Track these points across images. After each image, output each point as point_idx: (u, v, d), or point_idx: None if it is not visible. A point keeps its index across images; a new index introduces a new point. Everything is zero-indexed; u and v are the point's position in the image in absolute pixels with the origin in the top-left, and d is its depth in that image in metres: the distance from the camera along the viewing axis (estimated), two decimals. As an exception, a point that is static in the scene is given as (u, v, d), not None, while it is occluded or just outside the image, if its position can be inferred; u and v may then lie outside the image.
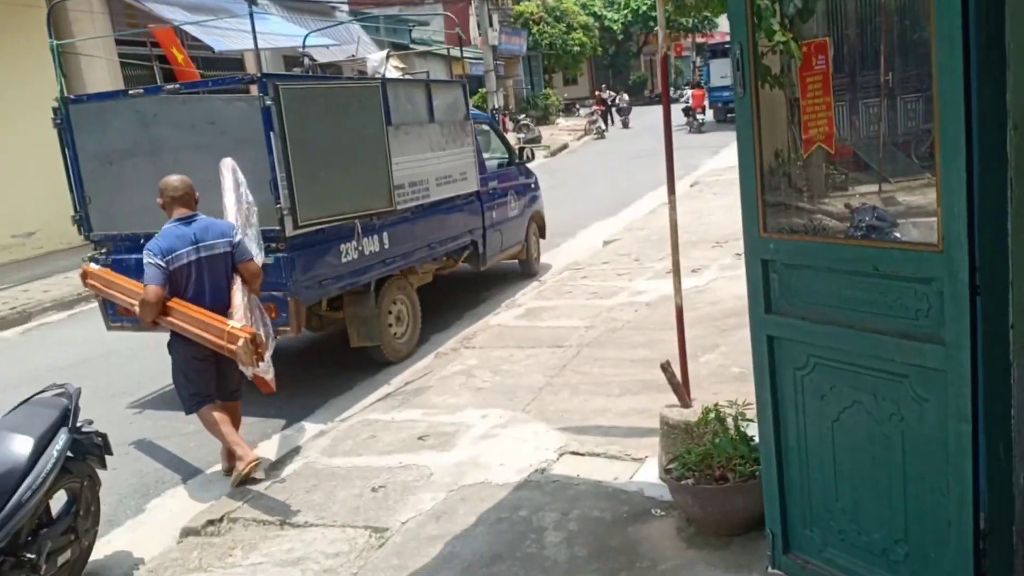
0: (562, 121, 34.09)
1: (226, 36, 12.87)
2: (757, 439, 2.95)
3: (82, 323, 8.26)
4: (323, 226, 5.52)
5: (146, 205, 4.79)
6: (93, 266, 5.09)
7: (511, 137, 23.39)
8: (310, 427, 5.29)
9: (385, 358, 6.33)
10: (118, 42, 13.32)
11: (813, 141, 2.65)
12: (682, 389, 3.84)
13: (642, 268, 8.45)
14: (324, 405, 5.70)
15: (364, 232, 5.90)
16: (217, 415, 4.45)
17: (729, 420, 3.44)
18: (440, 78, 8.62)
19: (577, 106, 32.68)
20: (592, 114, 29.61)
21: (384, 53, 8.03)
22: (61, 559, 3.31)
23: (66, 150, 5.83)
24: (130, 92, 5.68)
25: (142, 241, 4.75)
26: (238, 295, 4.41)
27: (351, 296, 6.08)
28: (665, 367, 3.79)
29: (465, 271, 8.37)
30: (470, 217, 7.67)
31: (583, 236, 11.37)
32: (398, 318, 6.58)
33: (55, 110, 5.77)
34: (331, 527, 3.81)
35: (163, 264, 4.27)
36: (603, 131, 28.54)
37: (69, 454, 3.47)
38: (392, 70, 8.09)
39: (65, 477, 3.41)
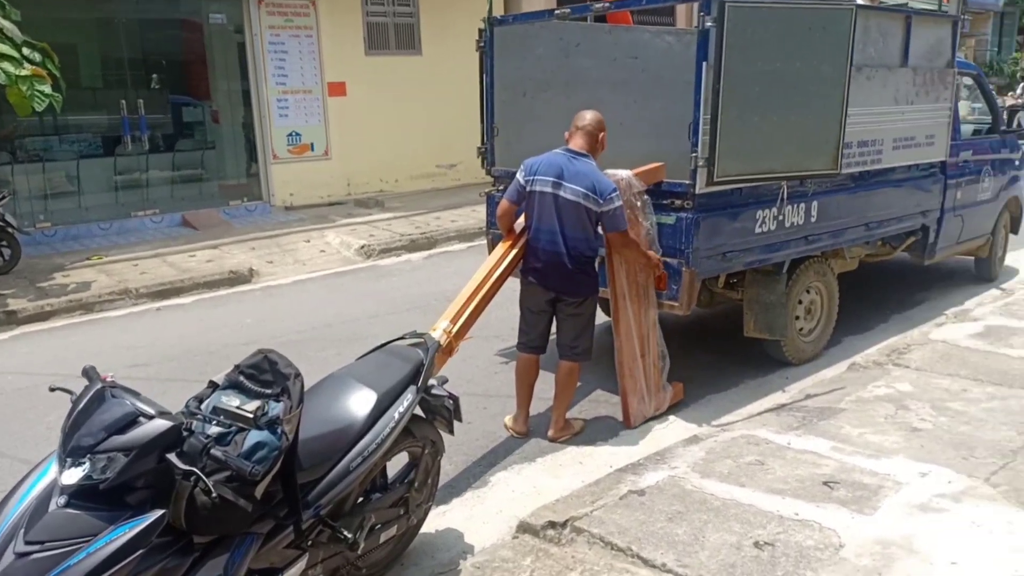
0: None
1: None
2: None
3: (477, 256, 8.33)
4: (742, 185, 4.47)
5: (551, 143, 4.25)
6: None
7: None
8: (681, 427, 4.39)
9: (784, 357, 5.15)
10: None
11: None
12: None
13: None
14: (700, 400, 4.75)
15: (789, 198, 4.71)
16: (521, 366, 4.33)
17: None
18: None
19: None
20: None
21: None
22: (385, 535, 2.87)
23: (483, 76, 5.56)
24: (556, 13, 5.13)
25: None
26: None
27: (756, 275, 4.95)
28: None
29: (900, 261, 6.66)
30: (925, 194, 5.94)
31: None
32: (808, 310, 5.29)
33: (480, 32, 5.50)
34: (694, 582, 2.88)
35: (522, 181, 4.11)
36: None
37: (418, 411, 3.04)
38: (860, -4, 6.48)
39: (406, 440, 2.96)
